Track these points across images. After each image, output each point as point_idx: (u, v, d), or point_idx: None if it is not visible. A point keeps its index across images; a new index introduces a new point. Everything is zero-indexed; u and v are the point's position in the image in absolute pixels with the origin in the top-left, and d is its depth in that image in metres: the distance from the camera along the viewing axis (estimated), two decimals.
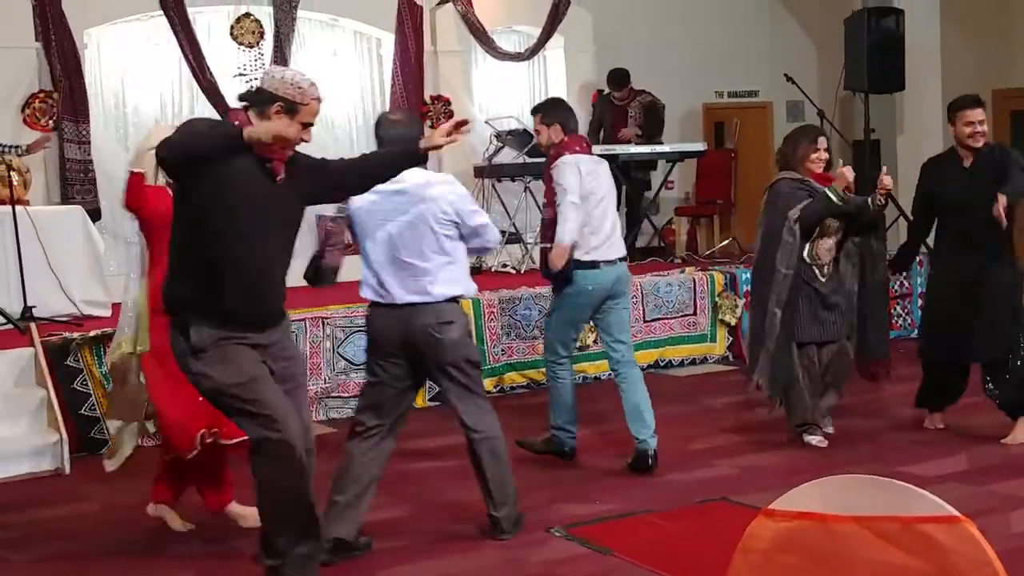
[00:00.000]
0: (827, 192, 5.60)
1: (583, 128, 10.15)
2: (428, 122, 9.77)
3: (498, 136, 9.69)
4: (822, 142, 5.82)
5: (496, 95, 10.45)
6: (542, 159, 9.54)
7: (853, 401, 7.07)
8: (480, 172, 9.66)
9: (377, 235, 4.51)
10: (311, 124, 3.78)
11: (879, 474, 2.67)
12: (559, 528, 4.72)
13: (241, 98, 3.84)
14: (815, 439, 5.85)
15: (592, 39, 10.84)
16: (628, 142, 9.96)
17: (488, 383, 7.67)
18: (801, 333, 5.74)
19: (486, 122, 9.84)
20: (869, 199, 5.65)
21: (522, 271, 9.15)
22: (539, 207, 9.51)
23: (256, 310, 3.82)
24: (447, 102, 9.85)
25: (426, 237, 4.47)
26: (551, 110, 5.66)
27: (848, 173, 5.62)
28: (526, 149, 9.46)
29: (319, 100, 3.79)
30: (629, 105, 10.19)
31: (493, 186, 9.74)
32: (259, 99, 3.73)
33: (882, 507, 2.44)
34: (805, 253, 5.71)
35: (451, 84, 9.94)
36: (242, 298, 3.75)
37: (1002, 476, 5.20)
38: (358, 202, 4.41)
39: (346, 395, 7.21)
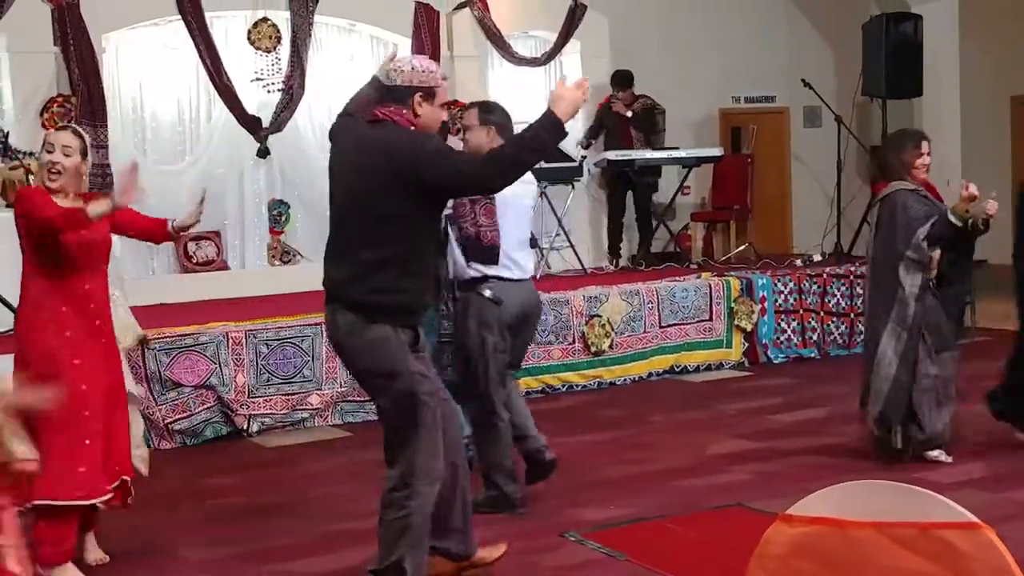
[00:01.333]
0: (949, 215, 5.30)
1: (579, 131, 10.15)
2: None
3: None
4: (925, 146, 5.48)
5: (512, 100, 10.42)
6: (557, 164, 9.63)
7: None
8: None
9: (513, 215, 4.94)
10: (446, 105, 4.00)
11: (896, 480, 2.65)
12: (573, 533, 4.71)
13: (381, 100, 3.81)
14: (936, 453, 5.54)
15: (608, 44, 10.83)
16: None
17: None
18: (936, 341, 5.47)
19: None
20: (973, 221, 5.30)
21: (537, 276, 9.12)
22: (554, 212, 9.57)
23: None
24: (463, 107, 9.83)
25: (531, 219, 5.22)
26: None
27: (974, 190, 5.28)
28: None
29: (444, 79, 3.86)
30: (631, 107, 10.18)
31: None
32: (397, 95, 3.74)
33: (900, 513, 2.43)
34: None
35: (467, 89, 9.93)
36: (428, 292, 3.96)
37: (1020, 483, 5.16)
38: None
39: (361, 399, 7.20)
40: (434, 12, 9.86)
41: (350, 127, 3.96)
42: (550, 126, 3.54)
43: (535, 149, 3.58)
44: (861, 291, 9.08)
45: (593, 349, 7.98)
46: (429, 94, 3.75)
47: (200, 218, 4.76)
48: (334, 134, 4.04)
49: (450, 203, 4.65)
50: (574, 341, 7.99)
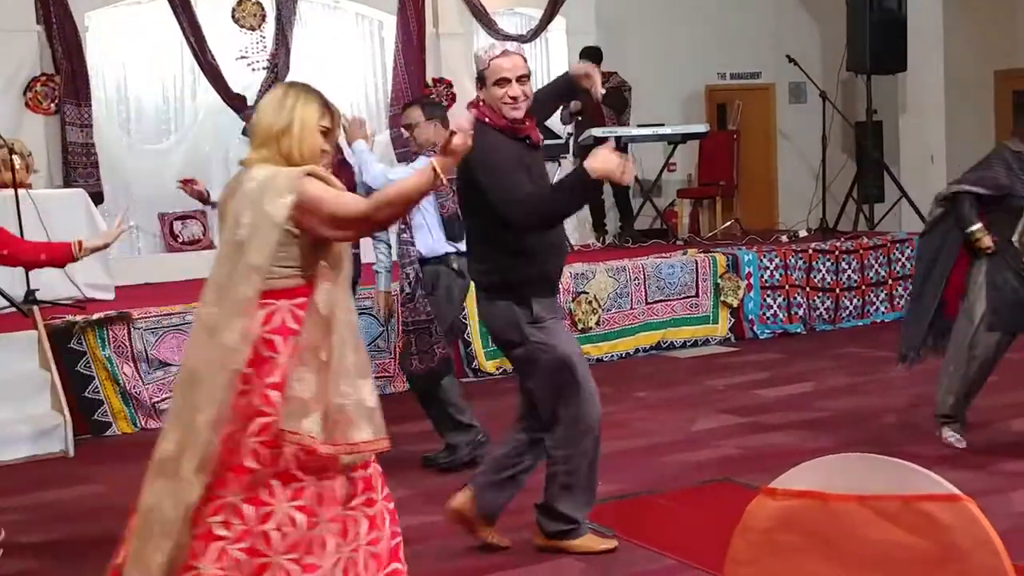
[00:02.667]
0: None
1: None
2: None
3: None
4: None
5: None
6: (545, 141, 9.57)
7: (857, 381, 7.10)
8: None
9: None
10: (506, 79, 3.94)
11: (881, 454, 2.68)
12: None
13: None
14: (954, 438, 5.39)
15: (594, 21, 10.81)
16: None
17: (491, 365, 7.71)
18: (1004, 321, 5.22)
19: None
20: None
21: None
22: None
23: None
24: (449, 84, 9.84)
25: None
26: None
27: None
28: None
29: (501, 55, 4.00)
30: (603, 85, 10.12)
31: None
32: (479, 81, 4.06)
33: (883, 485, 2.46)
34: (1015, 237, 5.19)
35: (453, 66, 9.92)
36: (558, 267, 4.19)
37: (1002, 456, 5.21)
38: None
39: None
40: None
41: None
42: (578, 183, 3.90)
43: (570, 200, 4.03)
44: (846, 266, 9.15)
45: (580, 326, 8.00)
46: (481, 77, 4.03)
47: (116, 240, 4.53)
48: None
49: None
50: (562, 318, 8.00)
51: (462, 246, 5.16)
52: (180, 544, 2.87)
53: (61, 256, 4.39)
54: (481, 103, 4.02)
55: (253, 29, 9.33)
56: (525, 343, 4.04)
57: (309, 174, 2.94)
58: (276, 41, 9.24)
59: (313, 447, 2.90)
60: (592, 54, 10.11)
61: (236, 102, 9.14)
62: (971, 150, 12.25)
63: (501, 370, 7.73)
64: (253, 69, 9.31)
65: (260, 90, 9.20)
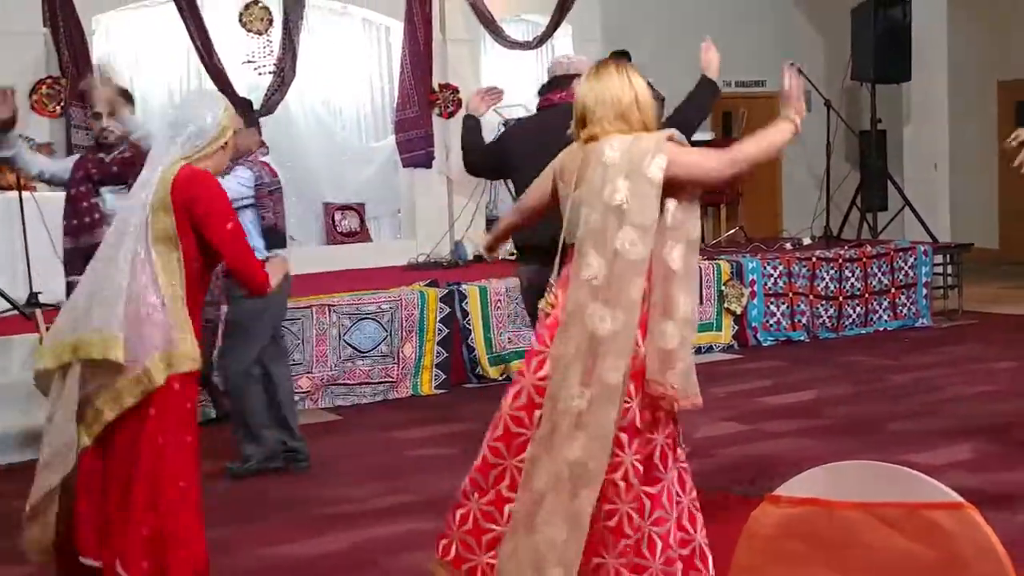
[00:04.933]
0: None
1: None
2: (436, 110, 9.77)
3: (506, 124, 9.69)
4: None
5: (504, 84, 10.41)
6: None
7: (860, 389, 7.10)
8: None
9: None
10: None
11: (885, 462, 2.68)
12: None
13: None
14: None
15: (600, 29, 10.83)
16: None
17: (494, 371, 7.71)
18: None
19: (495, 110, 9.83)
20: None
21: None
22: None
23: None
24: (455, 90, 9.85)
25: None
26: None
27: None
28: None
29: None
30: None
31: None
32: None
33: (887, 493, 2.47)
34: None
35: (459, 72, 9.93)
36: None
37: (1008, 465, 5.21)
38: None
39: (352, 382, 7.24)
40: None
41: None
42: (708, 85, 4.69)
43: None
44: (849, 275, 9.16)
45: None
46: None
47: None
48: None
49: (249, 191, 5.23)
50: None
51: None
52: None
53: None
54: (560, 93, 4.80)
55: (260, 34, 9.35)
56: None
57: (669, 138, 3.27)
58: (283, 46, 9.25)
59: (675, 398, 3.17)
60: (622, 57, 10.15)
61: (241, 106, 9.13)
62: (974, 160, 12.34)
63: (505, 376, 7.73)
64: (260, 74, 9.32)
65: (266, 95, 9.22)
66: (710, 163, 3.30)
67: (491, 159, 5.17)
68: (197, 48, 8.93)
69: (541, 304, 3.30)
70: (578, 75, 4.21)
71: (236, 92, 9.09)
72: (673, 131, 3.32)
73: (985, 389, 6.60)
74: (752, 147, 3.32)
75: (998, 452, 5.43)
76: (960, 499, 2.41)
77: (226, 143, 3.51)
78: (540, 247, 4.00)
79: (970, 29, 12.30)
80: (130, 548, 3.25)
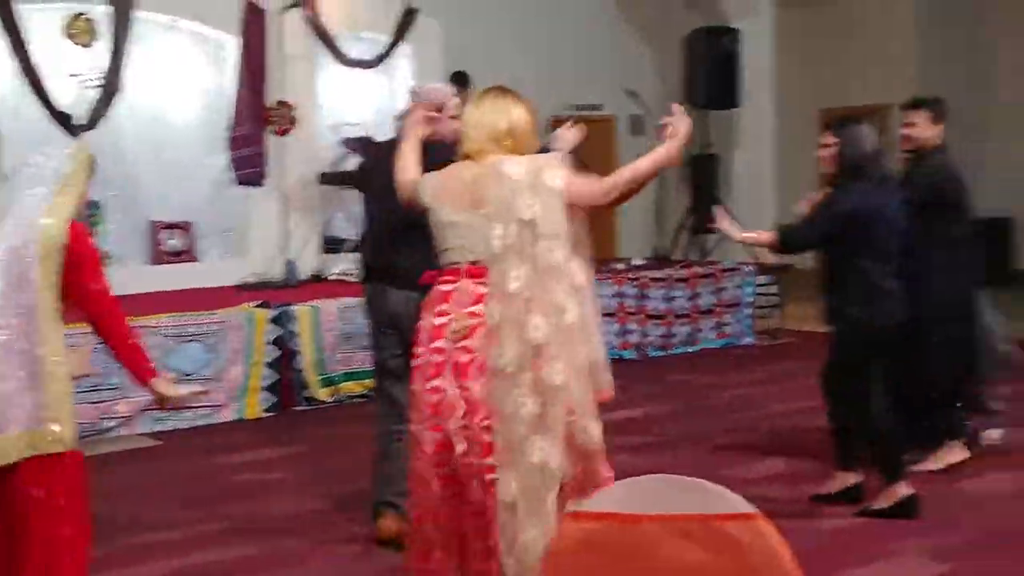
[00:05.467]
0: None
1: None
2: (271, 127, 9.63)
3: (343, 143, 9.63)
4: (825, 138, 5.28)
5: (342, 101, 10.36)
6: None
7: (686, 406, 7.29)
8: (325, 179, 9.57)
9: None
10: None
11: (706, 477, 2.74)
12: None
13: None
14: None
15: (441, 48, 10.86)
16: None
17: (325, 393, 7.60)
18: None
19: (332, 129, 9.76)
20: None
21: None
22: None
23: None
24: (291, 108, 9.72)
25: None
26: None
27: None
28: None
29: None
30: None
31: (338, 193, 9.66)
32: None
33: (683, 506, 2.53)
34: None
35: (296, 90, 9.80)
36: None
37: (819, 478, 5.37)
38: None
39: (172, 406, 7.01)
40: (262, 10, 9.68)
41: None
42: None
43: None
44: (678, 294, 9.39)
45: None
46: None
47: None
48: None
49: None
50: None
51: None
52: None
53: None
54: None
55: (86, 46, 9.04)
56: None
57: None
58: (111, 60, 8.97)
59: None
60: (462, 78, 10.19)
61: (64, 120, 8.83)
62: (798, 183, 12.82)
63: (335, 398, 7.64)
64: (85, 87, 9.02)
65: (92, 108, 8.92)
66: (592, 188, 3.52)
67: (352, 183, 5.25)
68: (18, 61, 8.58)
69: (454, 326, 3.45)
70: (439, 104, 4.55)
71: (59, 106, 8.80)
72: (561, 153, 3.63)
73: (802, 405, 6.84)
74: (627, 174, 3.55)
75: (811, 465, 5.61)
76: (752, 510, 2.48)
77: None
78: (383, 269, 4.59)
79: (795, 60, 12.84)
80: None
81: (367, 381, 7.77)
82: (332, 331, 7.71)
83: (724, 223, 5.08)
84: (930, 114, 5.53)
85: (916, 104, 5.60)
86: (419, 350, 3.56)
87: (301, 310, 7.62)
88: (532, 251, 3.36)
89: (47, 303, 3.20)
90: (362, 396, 7.74)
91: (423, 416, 3.52)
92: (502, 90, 3.67)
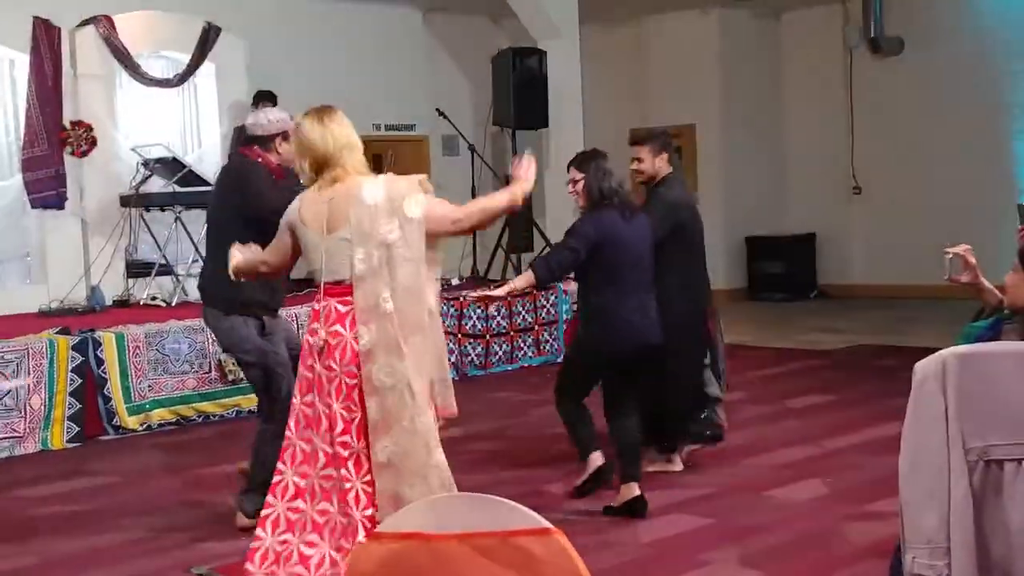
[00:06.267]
0: None
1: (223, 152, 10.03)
2: (68, 148, 9.28)
3: (146, 164, 9.34)
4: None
5: (143, 121, 10.06)
6: (194, 188, 9.35)
7: (506, 424, 7.36)
8: (127, 201, 9.27)
9: None
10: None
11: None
12: (201, 567, 4.61)
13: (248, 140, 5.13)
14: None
15: (245, 67, 10.68)
16: None
17: (134, 421, 7.37)
18: None
19: (133, 149, 9.46)
20: None
21: (173, 303, 8.85)
22: (191, 237, 9.26)
23: None
24: (89, 128, 9.40)
25: None
26: None
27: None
28: (176, 178, 9.18)
29: None
30: None
31: (141, 216, 9.37)
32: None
33: (482, 523, 2.55)
34: None
35: (93, 109, 9.48)
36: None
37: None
38: None
39: None
40: (55, 28, 9.34)
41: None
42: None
43: None
44: (495, 313, 9.49)
45: (231, 377, 7.80)
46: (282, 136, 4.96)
47: None
48: None
49: None
50: (210, 369, 7.80)
51: None
52: None
53: None
54: (257, 148, 5.06)
55: None
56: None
57: (420, 183, 3.69)
58: None
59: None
60: (267, 97, 10.01)
61: None
62: None
63: (145, 425, 7.41)
64: None
65: None
66: (445, 216, 3.72)
67: None
68: None
69: (314, 340, 3.66)
70: (279, 134, 4.96)
71: None
72: (423, 176, 3.75)
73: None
74: (477, 209, 3.86)
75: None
76: (548, 524, 2.53)
77: None
78: (260, 303, 4.99)
79: (602, 81, 13.19)
80: None
81: (178, 407, 7.61)
82: (139, 357, 7.48)
83: (489, 295, 5.46)
84: (654, 147, 5.75)
85: (639, 140, 5.86)
86: (300, 366, 3.80)
87: (106, 336, 7.37)
88: (394, 274, 3.56)
89: None
90: (173, 423, 7.55)
91: (298, 427, 3.76)
92: (326, 110, 3.85)
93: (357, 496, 3.61)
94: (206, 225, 5.50)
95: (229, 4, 10.71)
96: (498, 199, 3.87)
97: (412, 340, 3.58)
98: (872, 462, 5.81)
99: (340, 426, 3.63)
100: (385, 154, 12.54)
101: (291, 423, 3.78)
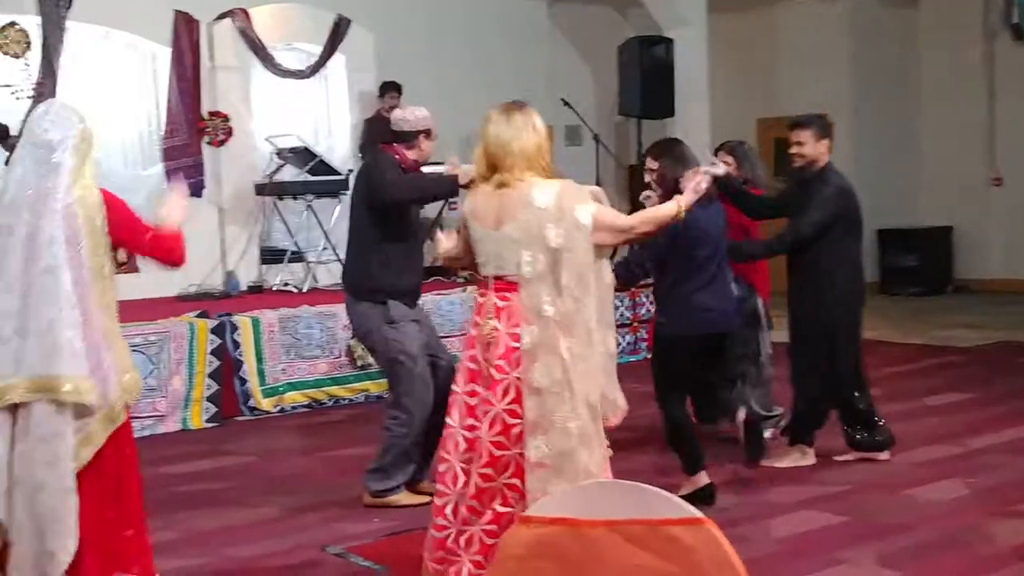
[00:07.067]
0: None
1: (353, 141, 10.21)
2: (206, 138, 9.55)
3: (279, 153, 9.57)
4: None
5: (277, 112, 10.30)
6: (325, 177, 9.56)
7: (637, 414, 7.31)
8: (261, 190, 9.51)
9: None
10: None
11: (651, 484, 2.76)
12: (335, 547, 4.70)
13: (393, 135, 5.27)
14: None
15: (374, 58, 10.84)
16: None
17: (268, 403, 7.56)
18: None
19: (267, 139, 9.70)
20: None
21: (304, 289, 9.05)
22: (321, 225, 9.46)
23: None
24: (225, 118, 9.65)
25: None
26: None
27: None
28: (308, 167, 9.37)
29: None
30: None
31: (275, 204, 9.60)
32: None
33: (631, 511, 2.55)
34: None
35: (230, 100, 9.74)
36: None
37: (765, 486, 5.44)
38: None
39: None
40: (194, 22, 9.62)
41: None
42: (444, 180, 5.16)
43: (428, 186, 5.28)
44: (643, 301, 9.44)
45: (359, 363, 7.96)
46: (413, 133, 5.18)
47: None
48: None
49: None
50: (340, 355, 7.96)
51: None
52: None
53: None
54: (395, 145, 5.21)
55: (17, 57, 8.92)
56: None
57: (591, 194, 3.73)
58: (42, 70, 8.85)
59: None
60: (393, 87, 10.18)
61: None
62: None
63: (278, 408, 7.60)
64: (17, 98, 8.88)
65: (24, 119, 8.77)
66: (614, 225, 3.75)
67: None
68: None
69: (485, 330, 3.68)
70: (423, 131, 5.17)
71: None
72: (596, 188, 3.81)
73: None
74: (646, 219, 3.89)
75: (757, 474, 5.61)
76: (700, 514, 2.52)
77: None
78: (411, 291, 5.29)
79: (729, 69, 12.99)
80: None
81: (310, 391, 7.78)
82: (274, 341, 7.67)
83: None
84: (816, 131, 5.66)
85: (802, 123, 5.72)
86: (463, 357, 3.85)
87: (243, 320, 7.58)
88: (560, 279, 3.56)
89: (95, 267, 3.44)
90: (306, 406, 7.72)
91: (459, 417, 3.75)
92: (521, 109, 3.78)
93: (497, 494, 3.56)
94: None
95: None
96: (665, 209, 3.93)
97: (574, 344, 3.55)
98: (1017, 462, 5.63)
99: (498, 426, 3.61)
100: None
101: (453, 413, 3.78)
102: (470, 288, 9.00)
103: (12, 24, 8.86)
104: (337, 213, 9.74)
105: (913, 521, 4.88)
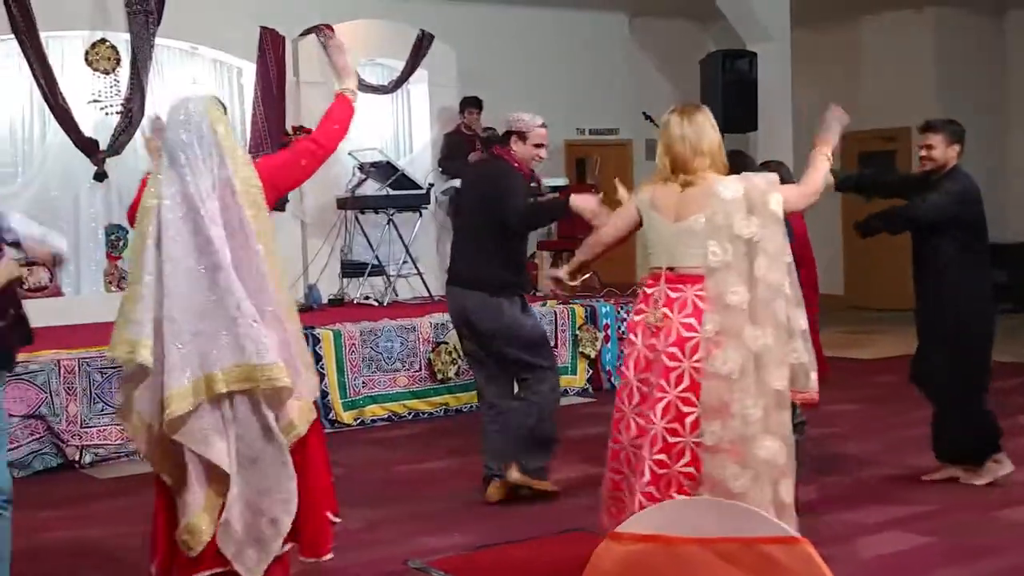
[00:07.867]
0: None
1: (428, 159, 10.28)
2: None
3: (361, 168, 9.65)
4: None
5: (359, 127, 10.37)
6: (406, 191, 9.63)
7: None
8: (343, 204, 9.60)
9: None
10: (541, 145, 5.52)
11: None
12: (417, 560, 4.69)
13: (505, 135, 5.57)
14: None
15: (456, 74, 10.91)
16: None
17: (348, 416, 7.60)
18: None
19: (349, 153, 9.78)
20: None
21: (385, 303, 9.10)
22: (402, 239, 9.53)
23: None
24: (309, 132, 9.76)
25: None
26: None
27: None
28: (389, 181, 9.44)
29: (542, 127, 5.50)
30: (478, 137, 10.25)
31: (356, 218, 9.68)
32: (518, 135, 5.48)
33: (724, 529, 2.50)
34: None
35: (314, 115, 9.72)
36: None
37: (851, 505, 5.33)
38: None
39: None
40: (280, 37, 9.77)
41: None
42: (557, 206, 5.69)
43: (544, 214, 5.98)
44: None
45: (440, 376, 7.97)
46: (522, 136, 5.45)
47: None
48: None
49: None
50: (421, 368, 7.97)
51: None
52: None
53: None
54: (510, 151, 5.48)
55: (107, 73, 9.12)
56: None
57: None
58: (131, 86, 9.05)
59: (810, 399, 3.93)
60: (473, 103, 10.23)
61: (87, 146, 8.90)
62: (818, 207, 12.79)
63: (359, 421, 7.64)
64: (107, 113, 9.09)
65: (113, 135, 8.97)
66: (800, 198, 3.96)
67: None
68: (40, 86, 8.66)
69: (650, 320, 3.81)
70: (516, 132, 5.44)
71: (81, 131, 8.87)
72: (775, 176, 3.92)
73: (832, 431, 6.80)
74: (817, 180, 4.02)
75: (842, 493, 5.55)
76: (795, 534, 2.46)
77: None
78: (519, 285, 5.56)
79: (813, 83, 12.80)
80: None
81: (390, 404, 7.81)
82: (355, 354, 7.71)
83: None
84: (947, 136, 5.55)
85: (933, 127, 5.61)
86: (629, 345, 3.97)
87: (324, 333, 7.63)
88: (752, 268, 3.67)
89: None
90: (385, 419, 7.75)
91: (632, 403, 3.91)
92: (701, 110, 3.98)
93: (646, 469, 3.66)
94: (463, 217, 5.89)
95: (440, 12, 10.97)
96: (819, 166, 4.07)
97: (760, 332, 3.63)
98: None
99: (672, 413, 3.71)
100: (590, 158, 12.58)
101: (623, 396, 3.96)
102: (550, 302, 8.95)
103: (103, 41, 9.07)
104: (417, 227, 9.80)
105: (1004, 543, 4.74)
